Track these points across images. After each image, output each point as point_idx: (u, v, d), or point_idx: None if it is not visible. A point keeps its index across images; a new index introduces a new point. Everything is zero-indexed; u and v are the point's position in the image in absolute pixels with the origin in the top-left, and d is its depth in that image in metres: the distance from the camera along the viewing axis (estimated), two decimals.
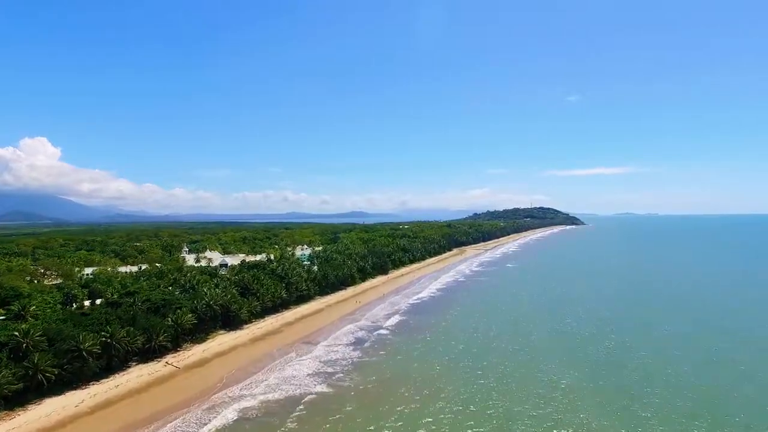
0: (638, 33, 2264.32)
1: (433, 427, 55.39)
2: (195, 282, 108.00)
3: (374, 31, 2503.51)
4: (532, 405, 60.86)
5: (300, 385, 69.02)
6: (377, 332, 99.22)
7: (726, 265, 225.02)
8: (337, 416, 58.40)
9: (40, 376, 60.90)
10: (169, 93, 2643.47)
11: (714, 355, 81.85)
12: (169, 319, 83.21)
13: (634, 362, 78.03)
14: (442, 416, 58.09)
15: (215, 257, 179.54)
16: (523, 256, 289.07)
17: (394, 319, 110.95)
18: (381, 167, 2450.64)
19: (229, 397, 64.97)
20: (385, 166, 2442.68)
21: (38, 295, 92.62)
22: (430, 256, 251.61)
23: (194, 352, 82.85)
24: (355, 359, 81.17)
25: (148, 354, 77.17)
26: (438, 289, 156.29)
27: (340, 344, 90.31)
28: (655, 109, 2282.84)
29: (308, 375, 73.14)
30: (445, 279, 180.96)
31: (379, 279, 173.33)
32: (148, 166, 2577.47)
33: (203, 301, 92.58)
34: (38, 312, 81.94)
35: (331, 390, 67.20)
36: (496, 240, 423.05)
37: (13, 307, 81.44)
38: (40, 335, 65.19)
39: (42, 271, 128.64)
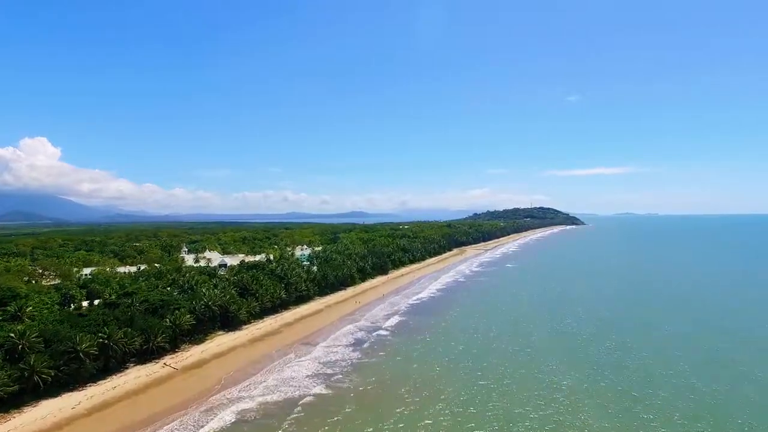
0: (638, 33, 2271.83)
1: (433, 429, 54.99)
2: (194, 282, 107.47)
3: (374, 31, 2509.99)
4: (533, 406, 60.52)
5: (299, 386, 68.62)
6: (377, 333, 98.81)
7: (726, 265, 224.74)
8: (336, 418, 58.01)
9: (36, 378, 60.47)
10: (169, 93, 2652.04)
11: (714, 356, 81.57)
12: (168, 319, 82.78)
13: (635, 363, 77.76)
14: (442, 418, 57.70)
15: (214, 257, 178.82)
16: (523, 256, 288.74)
17: (394, 320, 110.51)
18: (381, 167, 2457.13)
19: (227, 398, 64.54)
20: (385, 166, 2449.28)
21: (35, 295, 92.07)
22: (430, 257, 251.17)
23: (192, 353, 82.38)
24: (354, 360, 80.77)
25: (146, 355, 76.80)
26: (438, 290, 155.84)
27: (339, 345, 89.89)
28: (655, 109, 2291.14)
29: (307, 376, 72.73)
30: (445, 279, 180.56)
31: (379, 279, 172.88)
32: (148, 166, 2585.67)
33: (202, 302, 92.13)
34: (35, 313, 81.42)
35: (330, 391, 66.80)
36: (496, 240, 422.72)
37: (9, 308, 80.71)
38: (37, 336, 64.78)
39: (40, 271, 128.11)
